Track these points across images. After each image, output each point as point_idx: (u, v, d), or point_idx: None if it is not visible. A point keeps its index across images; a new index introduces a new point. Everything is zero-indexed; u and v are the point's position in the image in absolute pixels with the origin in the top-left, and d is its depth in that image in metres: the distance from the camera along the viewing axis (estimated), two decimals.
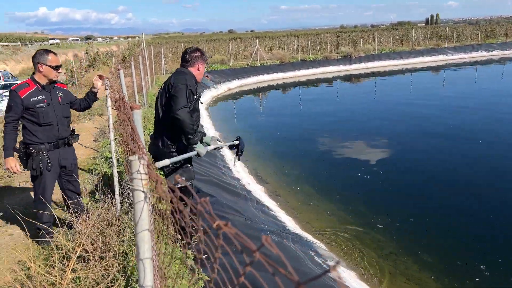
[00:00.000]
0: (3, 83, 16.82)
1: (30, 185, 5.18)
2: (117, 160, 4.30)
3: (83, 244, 2.30)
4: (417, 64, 29.42)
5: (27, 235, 3.46)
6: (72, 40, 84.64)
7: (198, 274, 2.73)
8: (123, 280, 2.38)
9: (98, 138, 7.72)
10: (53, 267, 2.32)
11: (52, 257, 2.30)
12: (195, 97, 3.22)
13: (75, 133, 3.69)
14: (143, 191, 0.94)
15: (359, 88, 21.35)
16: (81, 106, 3.73)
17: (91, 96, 3.73)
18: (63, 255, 2.33)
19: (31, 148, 3.34)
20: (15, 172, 3.34)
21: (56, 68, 3.40)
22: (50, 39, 77.99)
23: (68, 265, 2.20)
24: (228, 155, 8.79)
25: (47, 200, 3.39)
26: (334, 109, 15.46)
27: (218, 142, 3.61)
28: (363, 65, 28.41)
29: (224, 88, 21.21)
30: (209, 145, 3.50)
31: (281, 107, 16.75)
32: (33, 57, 3.37)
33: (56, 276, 2.15)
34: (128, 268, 2.52)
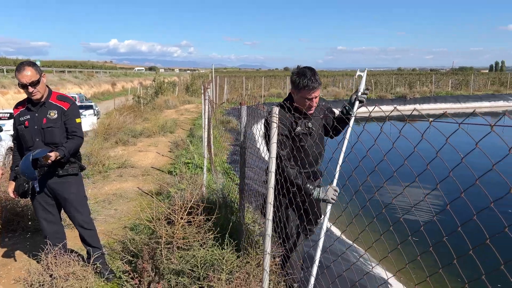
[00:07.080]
0: (79, 104, 19.34)
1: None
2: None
3: (190, 204, 3.26)
4: (474, 108, 28.81)
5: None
6: (138, 69, 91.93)
7: None
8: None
9: (173, 149, 8.99)
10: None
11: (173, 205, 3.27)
12: None
13: (74, 163, 3.02)
14: (276, 123, 1.83)
15: (412, 129, 21.39)
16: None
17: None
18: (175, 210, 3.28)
19: (16, 169, 2.98)
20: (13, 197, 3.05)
21: (23, 87, 2.78)
22: (138, 68, 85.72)
23: (181, 212, 3.16)
24: None
25: (40, 222, 3.11)
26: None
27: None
28: (417, 106, 28.46)
29: None
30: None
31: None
32: None
33: (175, 216, 3.12)
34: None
